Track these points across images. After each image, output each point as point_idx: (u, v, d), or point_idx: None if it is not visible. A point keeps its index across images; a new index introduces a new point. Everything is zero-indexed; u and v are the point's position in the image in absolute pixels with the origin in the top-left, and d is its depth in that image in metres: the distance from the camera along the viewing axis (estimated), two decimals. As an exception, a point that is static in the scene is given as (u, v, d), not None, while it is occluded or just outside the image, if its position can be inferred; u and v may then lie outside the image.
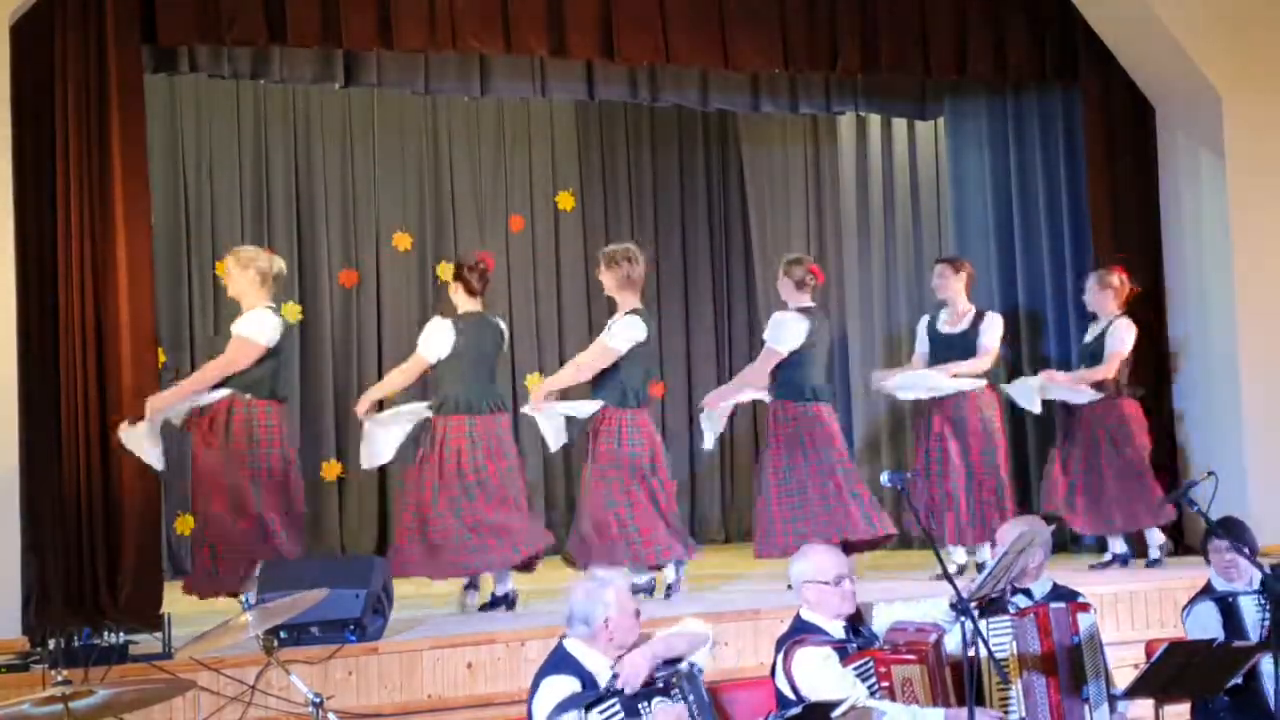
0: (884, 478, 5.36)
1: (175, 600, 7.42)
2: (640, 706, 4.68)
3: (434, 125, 11.23)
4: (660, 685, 4.74)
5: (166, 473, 7.58)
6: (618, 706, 4.65)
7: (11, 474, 7.12)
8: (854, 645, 5.13)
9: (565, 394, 8.05)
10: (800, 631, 5.19)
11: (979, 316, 8.66)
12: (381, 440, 7.83)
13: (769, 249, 11.30)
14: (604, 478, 7.79)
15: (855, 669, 5.00)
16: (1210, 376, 9.26)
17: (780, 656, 5.14)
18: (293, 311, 10.57)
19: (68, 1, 7.49)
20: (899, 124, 10.78)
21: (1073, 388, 8.65)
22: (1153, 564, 8.56)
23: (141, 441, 7.23)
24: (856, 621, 5.27)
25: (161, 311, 8.25)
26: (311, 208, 10.89)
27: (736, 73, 9.10)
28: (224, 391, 7.32)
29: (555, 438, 7.97)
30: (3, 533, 7.05)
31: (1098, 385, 8.62)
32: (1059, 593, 5.68)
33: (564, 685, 4.75)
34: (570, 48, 8.44)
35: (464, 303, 7.84)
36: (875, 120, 10.86)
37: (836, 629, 5.20)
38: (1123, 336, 8.66)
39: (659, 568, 7.90)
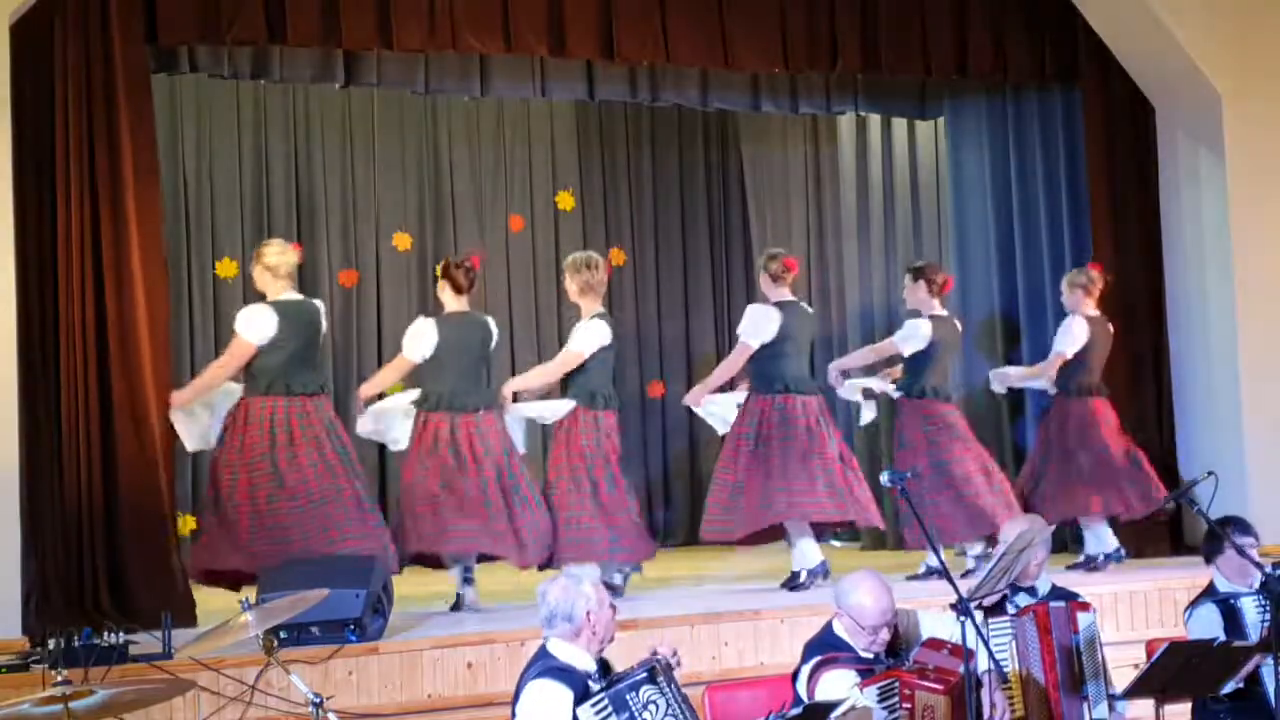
0: (884, 478, 5.35)
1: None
2: (629, 698, 4.67)
3: (434, 125, 11.24)
4: (644, 675, 4.72)
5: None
6: (607, 702, 4.63)
7: (11, 474, 7.11)
8: (882, 666, 5.06)
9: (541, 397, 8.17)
10: (830, 646, 5.12)
11: None
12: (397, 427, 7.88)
13: (769, 249, 11.28)
14: (570, 475, 7.85)
15: (879, 689, 4.93)
16: (1210, 376, 9.26)
17: (808, 670, 5.09)
18: (293, 311, 10.59)
19: (68, 1, 7.48)
20: (899, 124, 10.79)
21: (1022, 380, 9.04)
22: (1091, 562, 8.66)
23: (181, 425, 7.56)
24: (892, 635, 5.19)
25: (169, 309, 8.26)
26: (311, 208, 10.89)
27: (736, 73, 9.10)
28: (236, 388, 7.50)
29: (517, 440, 8.01)
30: (3, 533, 7.04)
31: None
32: (1059, 593, 5.68)
33: (551, 691, 4.70)
34: (570, 47, 8.44)
35: (450, 301, 7.87)
36: (875, 120, 10.86)
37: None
38: (1062, 335, 8.81)
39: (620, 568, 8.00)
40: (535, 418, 8.19)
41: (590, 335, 7.92)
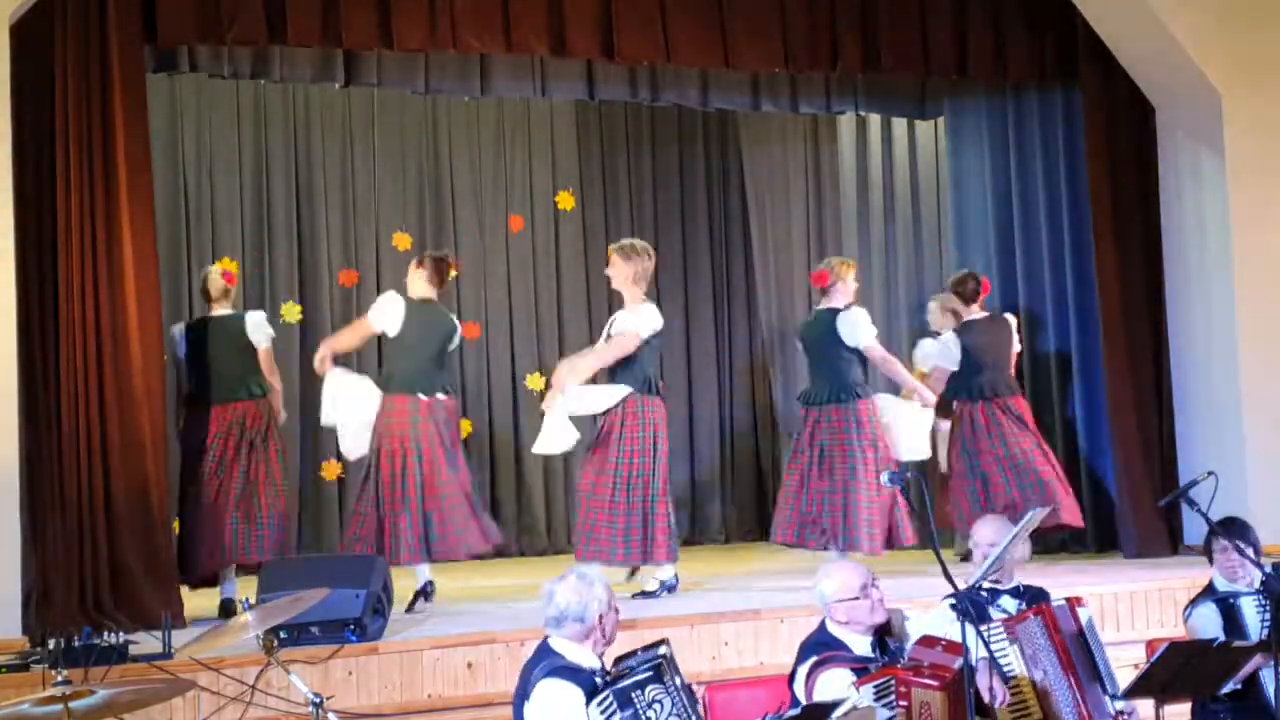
0: (883, 478, 5.35)
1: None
2: (634, 696, 4.65)
3: (434, 125, 11.24)
4: (650, 673, 4.70)
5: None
6: (612, 700, 4.62)
7: (12, 473, 7.12)
8: (877, 664, 5.06)
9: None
10: (825, 647, 5.13)
11: None
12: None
13: (769, 249, 11.31)
14: (628, 465, 7.85)
15: (875, 687, 4.92)
16: (1210, 376, 9.26)
17: (805, 671, 5.09)
18: (293, 311, 10.60)
19: (68, 1, 7.48)
20: (899, 124, 10.79)
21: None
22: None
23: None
24: (885, 634, 5.20)
25: (162, 311, 8.26)
26: (311, 208, 10.89)
27: (736, 73, 9.10)
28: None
29: (564, 438, 7.96)
30: (3, 532, 7.04)
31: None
32: (1033, 591, 5.66)
33: (565, 691, 4.68)
34: (570, 47, 8.44)
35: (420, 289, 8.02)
36: (875, 120, 10.86)
37: (863, 645, 5.15)
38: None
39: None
40: (587, 410, 7.98)
41: (646, 318, 7.92)
